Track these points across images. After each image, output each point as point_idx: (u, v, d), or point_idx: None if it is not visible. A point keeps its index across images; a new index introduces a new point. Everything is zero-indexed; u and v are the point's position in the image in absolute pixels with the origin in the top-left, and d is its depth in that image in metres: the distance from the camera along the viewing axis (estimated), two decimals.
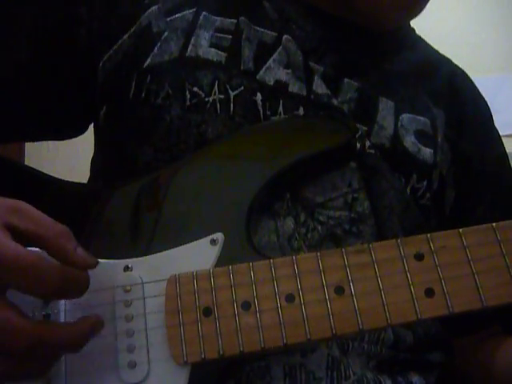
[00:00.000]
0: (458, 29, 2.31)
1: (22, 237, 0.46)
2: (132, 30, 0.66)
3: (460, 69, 0.80)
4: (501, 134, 0.80)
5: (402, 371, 0.62)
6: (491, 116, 0.79)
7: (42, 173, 0.63)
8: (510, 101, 1.92)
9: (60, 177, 0.63)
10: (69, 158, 1.58)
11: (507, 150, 0.79)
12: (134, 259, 0.55)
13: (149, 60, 0.64)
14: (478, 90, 0.79)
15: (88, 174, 0.72)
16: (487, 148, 0.75)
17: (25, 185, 0.63)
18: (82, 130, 0.75)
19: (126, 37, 0.66)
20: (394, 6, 0.67)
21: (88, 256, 0.48)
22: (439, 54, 0.80)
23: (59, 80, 0.67)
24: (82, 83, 0.68)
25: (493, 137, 0.78)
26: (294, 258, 0.52)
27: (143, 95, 0.63)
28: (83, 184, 0.65)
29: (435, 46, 0.82)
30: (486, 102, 0.79)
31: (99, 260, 0.55)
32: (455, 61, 0.82)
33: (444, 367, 0.66)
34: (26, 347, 0.43)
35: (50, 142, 0.74)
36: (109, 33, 0.67)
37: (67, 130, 0.74)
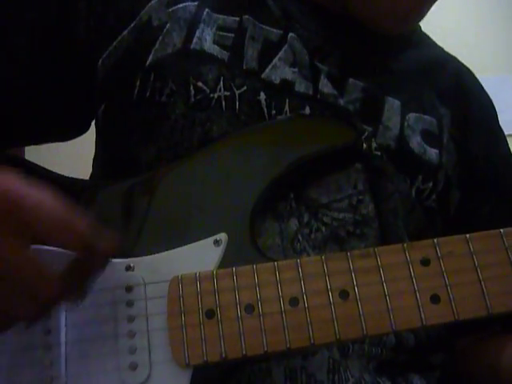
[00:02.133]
0: (457, 29, 2.29)
1: None
2: (132, 25, 0.65)
3: (466, 67, 0.79)
4: None
5: (402, 372, 0.61)
6: (497, 115, 0.78)
7: (40, 166, 0.62)
8: (510, 101, 1.92)
9: None
10: (69, 158, 1.57)
11: None
12: (136, 258, 0.54)
13: (151, 56, 0.63)
14: (483, 89, 0.78)
15: (88, 174, 0.71)
16: (493, 148, 0.75)
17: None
18: (83, 130, 0.74)
19: (125, 32, 0.65)
20: (391, 15, 0.65)
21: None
22: (445, 52, 0.79)
23: (59, 77, 0.66)
24: (82, 80, 0.66)
25: (498, 136, 0.77)
26: (298, 261, 0.52)
27: (148, 94, 0.62)
28: (84, 180, 0.64)
29: None
30: (491, 101, 0.78)
31: None
32: None
33: (445, 369, 0.66)
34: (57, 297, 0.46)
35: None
36: (108, 29, 0.65)
37: (68, 130, 0.73)
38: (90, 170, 0.73)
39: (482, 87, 0.78)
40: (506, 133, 0.80)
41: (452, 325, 0.61)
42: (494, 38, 2.41)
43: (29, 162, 0.63)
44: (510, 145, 0.79)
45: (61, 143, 0.76)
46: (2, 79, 0.64)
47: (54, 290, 0.46)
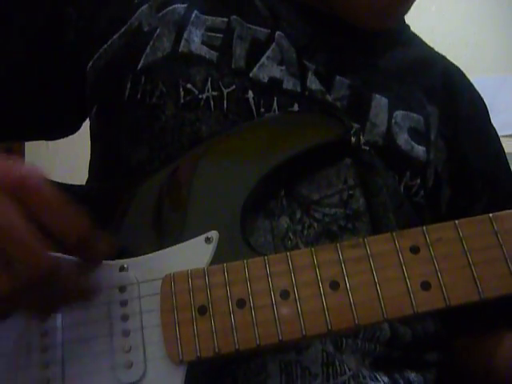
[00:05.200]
0: (457, 29, 2.29)
1: None
2: (122, 30, 0.67)
3: (455, 66, 0.79)
4: (501, 134, 0.79)
5: (398, 368, 0.61)
6: (487, 112, 0.78)
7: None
8: (510, 101, 1.90)
9: (60, 177, 0.63)
10: (69, 158, 1.58)
11: (507, 151, 0.78)
12: (129, 259, 0.55)
13: (142, 61, 0.65)
14: (473, 87, 0.78)
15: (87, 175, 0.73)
16: (483, 145, 0.74)
17: None
18: (72, 130, 0.76)
19: (116, 37, 0.66)
20: (370, 11, 0.66)
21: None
22: (434, 51, 0.80)
23: (50, 79, 0.68)
24: (72, 83, 0.68)
25: (489, 133, 0.77)
26: (288, 254, 0.52)
27: (139, 96, 0.64)
28: (77, 185, 0.65)
29: (435, 46, 0.81)
30: (481, 99, 0.78)
31: None
32: (455, 61, 0.81)
33: (441, 366, 0.65)
34: (44, 274, 0.43)
35: (50, 141, 0.75)
36: (98, 33, 0.67)
37: (58, 130, 0.75)
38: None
39: (472, 85, 0.78)
40: (506, 133, 0.79)
41: (453, 323, 0.61)
42: (494, 39, 2.40)
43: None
44: (510, 145, 0.79)
45: (60, 144, 0.77)
46: None
47: (41, 266, 0.43)
